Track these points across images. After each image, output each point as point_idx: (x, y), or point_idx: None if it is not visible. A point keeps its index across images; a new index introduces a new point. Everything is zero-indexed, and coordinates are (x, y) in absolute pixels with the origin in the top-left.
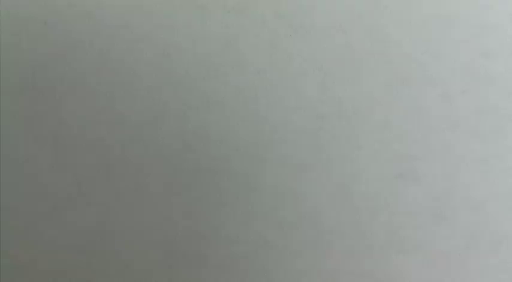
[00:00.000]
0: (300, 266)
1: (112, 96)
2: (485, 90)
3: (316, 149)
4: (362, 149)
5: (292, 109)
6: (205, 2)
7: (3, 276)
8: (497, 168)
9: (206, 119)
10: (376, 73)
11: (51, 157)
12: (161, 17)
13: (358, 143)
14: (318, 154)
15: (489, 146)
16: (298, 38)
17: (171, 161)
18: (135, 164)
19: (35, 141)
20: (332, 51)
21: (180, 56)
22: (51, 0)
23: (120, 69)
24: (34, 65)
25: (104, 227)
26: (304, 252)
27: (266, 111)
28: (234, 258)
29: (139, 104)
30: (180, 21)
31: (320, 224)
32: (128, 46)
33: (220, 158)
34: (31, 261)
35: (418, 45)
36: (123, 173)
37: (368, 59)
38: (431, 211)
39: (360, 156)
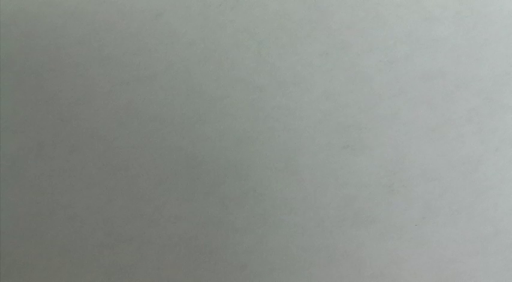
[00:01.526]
0: (247, 243)
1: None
2: (430, 55)
3: (256, 122)
4: (304, 120)
5: (228, 81)
6: None
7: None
8: (448, 135)
9: (138, 95)
10: (313, 41)
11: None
12: None
13: (299, 113)
14: (259, 127)
15: (438, 112)
16: (229, 7)
17: (105, 139)
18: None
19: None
20: (266, 20)
21: (109, 31)
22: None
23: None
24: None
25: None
26: (250, 229)
27: (201, 84)
28: (177, 238)
29: (69, 81)
30: None
31: (265, 199)
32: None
33: (156, 134)
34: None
35: (356, 10)
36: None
37: (304, 26)
38: (382, 182)
39: (302, 127)
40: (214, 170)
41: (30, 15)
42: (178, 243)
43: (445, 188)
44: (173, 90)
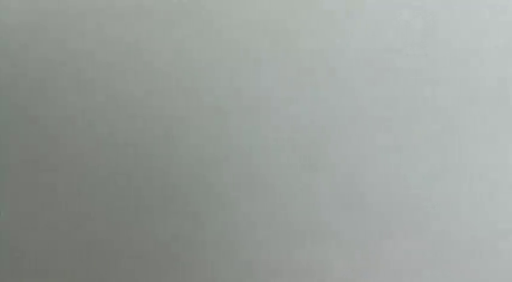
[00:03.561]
0: (214, 257)
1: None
2: (390, 81)
3: (223, 140)
4: (268, 141)
5: (196, 106)
6: None
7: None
8: (407, 155)
9: (114, 118)
10: (277, 66)
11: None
12: None
13: (263, 135)
14: (226, 144)
15: (396, 133)
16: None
17: (87, 159)
18: None
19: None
20: (233, 48)
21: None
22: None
23: None
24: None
25: None
26: (218, 244)
27: (172, 108)
28: (148, 253)
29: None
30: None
31: (233, 215)
32: None
33: (130, 156)
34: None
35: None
36: None
37: (264, 51)
38: (343, 199)
39: (266, 147)
40: (184, 184)
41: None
42: (148, 258)
43: (403, 205)
44: (146, 113)
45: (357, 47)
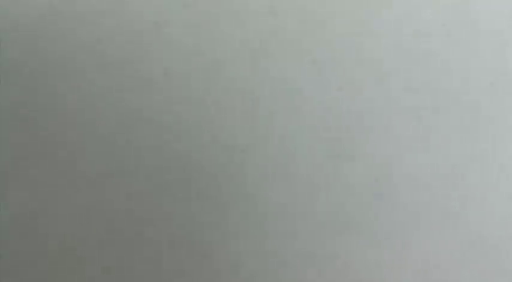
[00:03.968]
0: (241, 247)
1: None
2: (419, 68)
3: (249, 129)
4: (296, 129)
5: (223, 90)
6: None
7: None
8: (435, 145)
9: (137, 100)
10: (306, 52)
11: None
12: None
13: (291, 122)
14: (252, 133)
15: (425, 123)
16: (225, 20)
17: (105, 142)
18: None
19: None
20: (260, 31)
21: (110, 38)
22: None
23: None
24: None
25: None
26: (244, 234)
27: (197, 91)
28: (172, 241)
29: (70, 85)
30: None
31: (259, 204)
32: None
33: (153, 138)
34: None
35: (348, 24)
36: None
37: (297, 38)
38: (371, 189)
39: (294, 135)
40: (209, 174)
41: (32, 20)
42: (173, 248)
43: (432, 196)
44: (170, 96)
45: (387, 34)
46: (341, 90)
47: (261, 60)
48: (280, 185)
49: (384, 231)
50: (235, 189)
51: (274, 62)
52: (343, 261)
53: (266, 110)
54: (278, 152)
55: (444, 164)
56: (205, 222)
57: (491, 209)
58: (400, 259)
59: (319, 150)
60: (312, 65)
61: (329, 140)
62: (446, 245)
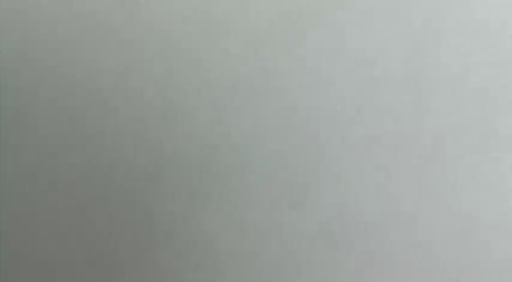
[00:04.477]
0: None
1: None
2: (373, 118)
3: (208, 179)
4: (253, 178)
5: (183, 138)
6: None
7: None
8: (390, 193)
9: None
10: (266, 103)
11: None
12: None
13: (248, 172)
14: (212, 183)
15: (380, 171)
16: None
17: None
18: None
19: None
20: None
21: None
22: None
23: None
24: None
25: None
26: (198, 278)
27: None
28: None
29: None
30: None
31: (213, 250)
32: None
33: (119, 183)
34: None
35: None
36: None
37: (261, 92)
38: (324, 237)
39: (251, 184)
40: (168, 222)
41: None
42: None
43: (384, 243)
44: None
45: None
46: (297, 141)
47: (222, 111)
48: (236, 232)
49: (336, 278)
50: (188, 234)
51: (236, 113)
52: None
53: (225, 160)
54: (231, 199)
55: (396, 212)
56: (161, 268)
57: (440, 255)
58: None
59: (274, 199)
60: (271, 116)
61: (283, 190)
62: None
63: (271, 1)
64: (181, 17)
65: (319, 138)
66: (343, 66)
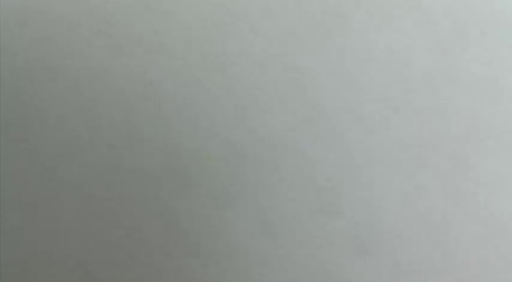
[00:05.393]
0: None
1: None
2: (407, 122)
3: (236, 181)
4: (282, 183)
5: (206, 138)
6: None
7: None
8: (421, 201)
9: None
10: (293, 108)
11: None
12: None
13: (277, 176)
14: (238, 187)
15: (411, 178)
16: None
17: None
18: None
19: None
20: (248, 84)
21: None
22: None
23: None
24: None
25: None
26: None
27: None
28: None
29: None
30: None
31: (242, 258)
32: None
33: (136, 187)
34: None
35: (333, 75)
36: None
37: (282, 95)
38: (354, 244)
39: (280, 190)
40: (195, 228)
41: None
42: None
43: (416, 251)
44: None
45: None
46: (328, 147)
47: (249, 114)
48: (265, 239)
49: None
50: (215, 240)
51: (263, 118)
52: None
53: (253, 163)
54: (260, 205)
55: (428, 220)
56: (187, 275)
57: (476, 263)
58: None
59: (304, 205)
60: (299, 123)
61: (314, 195)
62: None
63: (297, 0)
64: (206, 14)
65: (346, 141)
66: (370, 66)
